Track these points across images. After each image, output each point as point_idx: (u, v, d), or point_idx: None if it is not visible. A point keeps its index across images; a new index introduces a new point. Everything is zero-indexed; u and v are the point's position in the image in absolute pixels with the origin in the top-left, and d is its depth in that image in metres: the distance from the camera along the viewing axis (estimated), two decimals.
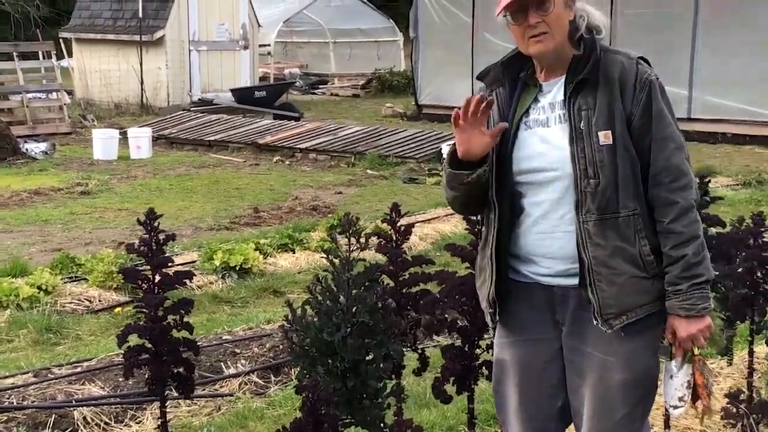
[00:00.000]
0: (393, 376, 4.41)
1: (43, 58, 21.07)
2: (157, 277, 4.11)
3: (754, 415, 5.19)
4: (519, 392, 3.57)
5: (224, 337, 7.18)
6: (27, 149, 17.12)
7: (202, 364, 6.70)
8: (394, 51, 30.61)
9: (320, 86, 28.95)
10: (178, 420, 5.71)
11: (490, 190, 3.42)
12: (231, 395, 6.27)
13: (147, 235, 4.10)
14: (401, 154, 16.39)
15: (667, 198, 3.30)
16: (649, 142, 3.31)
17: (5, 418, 5.69)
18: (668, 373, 3.45)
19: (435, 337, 4.57)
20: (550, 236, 3.39)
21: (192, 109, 22.00)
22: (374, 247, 4.51)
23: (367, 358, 4.20)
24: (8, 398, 6.00)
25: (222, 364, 6.70)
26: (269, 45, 28.93)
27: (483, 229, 3.59)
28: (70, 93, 22.33)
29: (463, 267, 4.26)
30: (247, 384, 6.43)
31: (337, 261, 4.20)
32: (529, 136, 3.40)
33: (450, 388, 4.27)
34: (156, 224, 4.13)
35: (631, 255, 3.30)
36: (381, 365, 4.26)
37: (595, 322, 3.32)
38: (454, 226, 10.75)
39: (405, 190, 14.07)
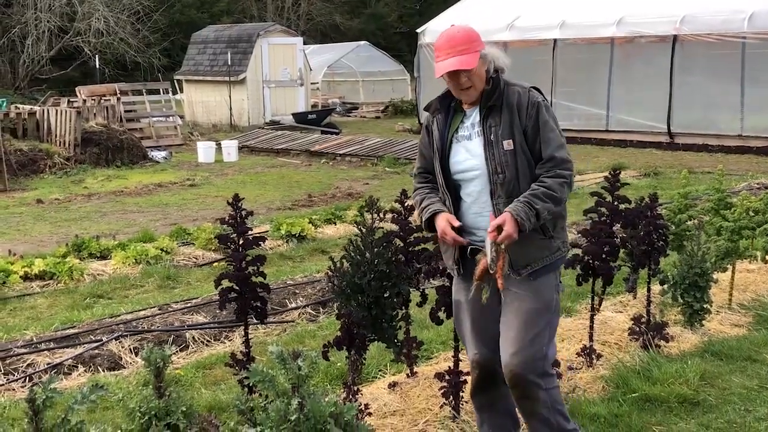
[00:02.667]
0: (403, 307, 4.40)
1: (163, 93, 21.05)
2: (241, 240, 4.10)
3: (651, 332, 5.18)
4: (471, 321, 3.60)
5: (288, 282, 7.18)
6: (152, 156, 17.11)
7: (272, 300, 6.68)
8: (403, 86, 30.40)
9: (353, 111, 28.78)
10: (257, 339, 5.71)
11: (440, 187, 3.55)
12: (292, 322, 6.27)
13: (234, 212, 4.09)
14: (409, 156, 16.25)
15: (548, 168, 3.37)
16: (539, 143, 3.38)
17: (139, 338, 5.72)
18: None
19: (431, 280, 4.51)
20: (480, 215, 3.46)
21: (265, 127, 21.91)
22: (390, 220, 4.52)
23: (385, 295, 4.19)
24: (141, 325, 6.04)
25: (286, 300, 6.69)
26: (318, 82, 28.79)
27: None
28: (181, 117, 22.28)
29: None
30: (303, 314, 6.42)
31: (364, 229, 4.20)
32: (459, 147, 3.50)
33: (442, 315, 4.26)
34: (240, 205, 4.11)
35: None
36: (394, 300, 4.24)
37: (509, 272, 3.38)
38: None
39: (411, 182, 13.96)
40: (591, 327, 4.95)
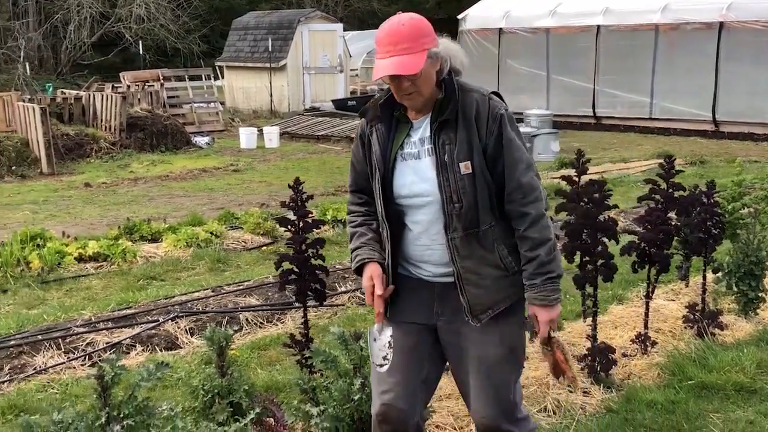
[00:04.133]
0: None
1: (205, 79, 21.22)
2: (301, 224, 4.16)
3: (706, 320, 5.16)
4: (396, 362, 2.99)
5: (336, 266, 7.22)
6: (195, 141, 17.28)
7: None
8: None
9: None
10: (310, 321, 5.77)
11: (379, 214, 2.97)
12: (343, 305, 6.34)
13: (295, 196, 4.13)
14: None
15: (520, 211, 2.84)
16: (502, 166, 2.82)
17: (194, 319, 5.82)
18: (372, 336, 2.97)
19: None
20: (429, 248, 2.92)
21: (305, 113, 22.00)
22: None
23: None
24: (195, 306, 6.14)
25: (335, 284, 6.73)
26: (357, 69, 28.83)
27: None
28: (222, 103, 22.46)
29: None
30: (353, 298, 6.46)
31: None
32: (405, 167, 2.90)
33: None
34: (301, 188, 4.15)
35: (493, 260, 2.87)
36: None
37: (466, 319, 2.91)
38: None
39: None
40: (646, 314, 4.95)
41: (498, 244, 2.88)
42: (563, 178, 4.63)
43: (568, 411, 4.18)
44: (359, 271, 2.97)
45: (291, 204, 4.15)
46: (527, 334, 3.09)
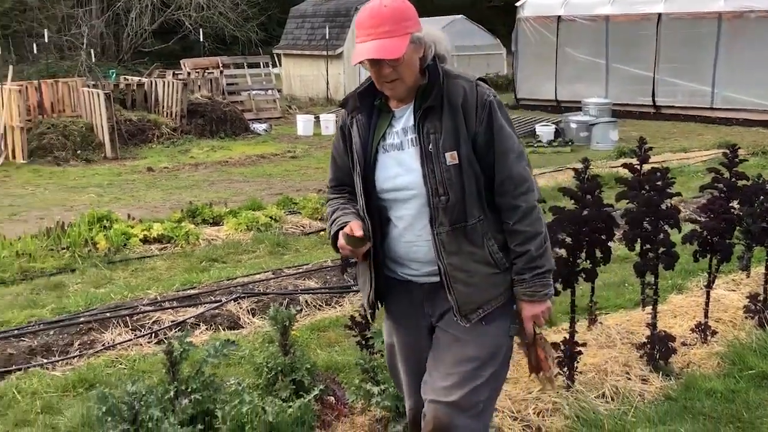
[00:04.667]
0: None
1: (263, 67, 21.46)
2: None
3: (767, 310, 5.10)
4: (405, 364, 2.96)
5: None
6: (253, 128, 17.52)
7: None
8: (499, 61, 30.09)
9: None
10: None
11: (360, 209, 2.77)
12: None
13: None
14: None
15: (511, 203, 2.69)
16: (492, 156, 2.66)
17: (256, 300, 5.95)
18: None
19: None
20: (415, 245, 2.74)
21: None
22: None
23: None
24: (257, 287, 6.26)
25: None
26: None
27: None
28: (279, 91, 22.70)
29: (570, 203, 4.26)
30: None
31: None
32: (387, 158, 2.72)
33: (558, 286, 4.29)
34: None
35: (482, 256, 2.70)
36: None
37: (455, 319, 2.75)
38: (565, 177, 10.38)
39: None
40: (707, 303, 4.91)
41: (487, 239, 2.71)
42: (624, 165, 4.63)
43: (626, 397, 4.18)
44: (336, 240, 2.75)
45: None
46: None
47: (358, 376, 4.08)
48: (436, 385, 2.77)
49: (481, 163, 2.67)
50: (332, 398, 3.99)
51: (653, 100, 18.89)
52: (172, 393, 3.45)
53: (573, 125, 15.31)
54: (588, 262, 4.27)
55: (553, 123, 15.87)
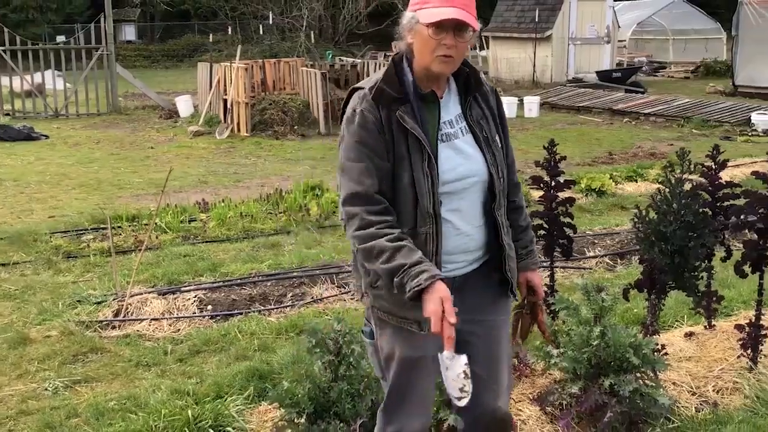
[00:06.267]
0: (706, 259, 4.51)
1: (470, 49, 21.79)
2: (553, 182, 4.46)
3: None
4: (428, 378, 2.71)
5: (587, 233, 7.41)
6: None
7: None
8: (718, 45, 28.65)
9: (660, 70, 27.71)
10: (557, 281, 6.01)
11: (428, 206, 2.52)
12: (590, 269, 6.54)
13: (549, 156, 4.44)
14: (719, 119, 15.56)
15: (515, 181, 2.84)
16: (505, 139, 2.75)
17: None
18: (443, 364, 2.44)
19: (737, 236, 4.55)
20: (467, 235, 2.64)
21: (567, 84, 21.92)
22: (699, 173, 4.63)
23: (690, 244, 4.33)
24: None
25: (585, 249, 6.96)
26: (625, 40, 28.07)
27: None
28: (486, 73, 22.93)
29: (764, 187, 4.26)
30: (601, 263, 6.65)
31: (673, 179, 4.38)
32: (447, 148, 2.59)
33: (747, 269, 4.31)
34: (554, 149, 4.48)
35: (510, 233, 2.78)
36: (699, 251, 4.38)
37: (511, 297, 2.78)
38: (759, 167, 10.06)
39: (721, 145, 13.37)
40: None
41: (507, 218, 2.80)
42: None
43: None
44: (418, 293, 2.39)
45: (544, 163, 4.46)
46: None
47: (538, 339, 4.32)
48: (498, 391, 2.78)
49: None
50: (515, 359, 4.27)
51: None
52: None
53: None
54: None
55: None
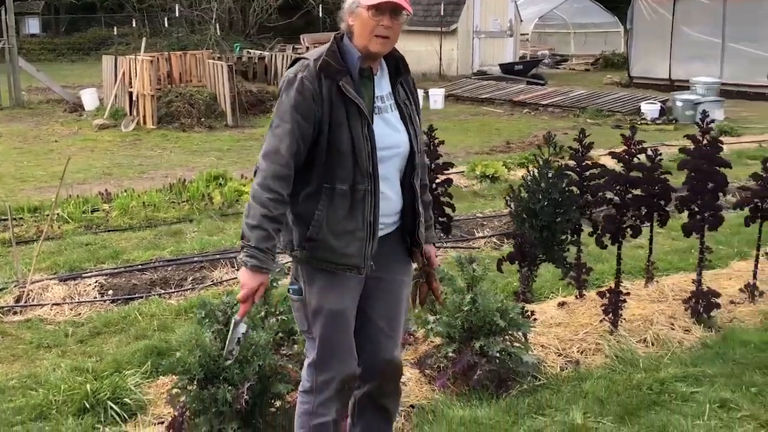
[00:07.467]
0: (574, 234, 4.91)
1: None
2: (432, 165, 4.76)
3: None
4: (349, 328, 2.98)
5: (477, 215, 7.81)
6: None
7: (461, 229, 7.37)
8: (617, 38, 29.75)
9: (562, 63, 28.63)
10: (447, 259, 6.31)
11: (367, 166, 2.81)
12: (478, 248, 6.91)
13: (428, 141, 4.74)
14: (611, 109, 16.30)
15: (423, 161, 3.14)
16: (419, 122, 3.05)
17: None
18: (232, 326, 2.96)
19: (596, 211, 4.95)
20: (390, 199, 2.94)
21: (472, 77, 22.47)
22: (568, 156, 5.02)
23: (557, 220, 4.73)
24: None
25: (474, 230, 7.34)
26: (528, 33, 28.87)
27: (333, 201, 2.83)
28: None
29: (620, 167, 4.67)
30: (489, 243, 7.04)
31: (542, 161, 4.76)
32: (379, 120, 2.88)
33: (606, 240, 4.71)
34: (434, 135, 4.79)
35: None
36: (565, 225, 4.78)
37: (421, 258, 3.10)
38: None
39: (611, 133, 13.96)
40: (756, 265, 5.23)
41: None
42: (687, 136, 4.99)
43: (666, 344, 4.60)
44: (243, 266, 2.79)
45: (424, 148, 4.76)
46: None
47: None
48: (396, 342, 3.09)
49: None
50: None
51: None
52: (263, 313, 4.14)
53: (679, 104, 15.27)
54: (634, 219, 4.68)
55: (659, 102, 15.84)
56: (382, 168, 2.87)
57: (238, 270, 2.80)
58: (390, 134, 2.90)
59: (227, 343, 2.95)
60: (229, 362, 2.95)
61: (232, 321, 2.91)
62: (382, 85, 2.95)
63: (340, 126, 2.80)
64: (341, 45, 2.87)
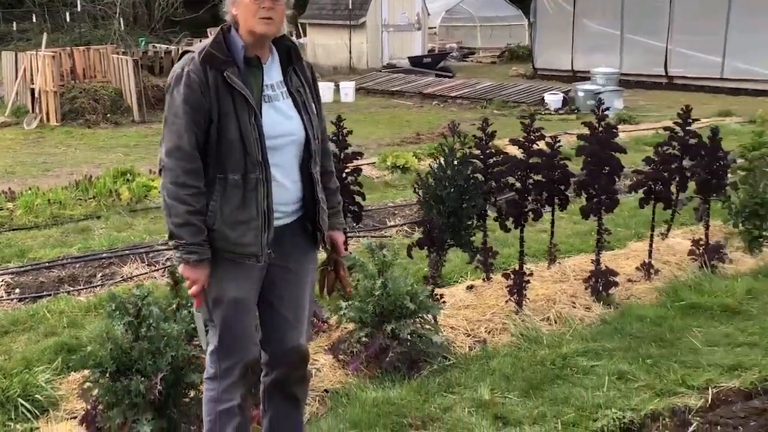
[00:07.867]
0: (479, 219, 5.06)
1: (289, 35, 21.98)
2: (342, 155, 4.85)
3: (708, 254, 5.67)
4: (249, 316, 3.03)
5: (389, 205, 7.93)
6: None
7: (374, 218, 7.48)
8: (521, 31, 30.39)
9: (470, 56, 29.09)
10: (360, 247, 6.41)
11: (256, 155, 2.81)
12: (390, 237, 7.02)
13: (337, 130, 4.83)
14: (516, 100, 16.71)
15: (327, 148, 3.19)
16: (319, 108, 3.07)
17: None
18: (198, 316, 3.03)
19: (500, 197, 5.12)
20: (287, 188, 2.94)
21: (382, 70, 22.61)
22: (473, 145, 5.18)
23: (462, 206, 4.87)
24: None
25: (386, 219, 7.46)
26: (435, 27, 29.23)
27: (226, 191, 2.83)
28: None
29: (519, 152, 4.85)
30: (400, 231, 7.16)
31: (447, 150, 4.90)
32: (269, 108, 2.89)
33: (509, 224, 4.90)
34: (342, 124, 4.87)
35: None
36: (470, 211, 4.92)
37: (321, 247, 3.13)
38: (565, 141, 10.92)
39: (517, 124, 14.33)
40: (650, 245, 5.51)
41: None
42: (584, 123, 5.20)
43: (568, 321, 4.82)
44: (184, 264, 2.84)
45: (333, 138, 4.84)
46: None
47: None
48: (301, 331, 3.08)
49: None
50: (313, 318, 4.64)
51: (666, 71, 19.24)
52: (174, 306, 4.14)
53: (581, 94, 15.76)
54: (536, 204, 4.87)
55: (562, 92, 16.33)
56: (276, 156, 2.88)
57: (178, 266, 2.87)
58: (281, 122, 2.90)
59: (200, 336, 3.05)
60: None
61: (194, 314, 3.04)
62: (272, 74, 2.95)
63: (227, 116, 2.81)
64: (227, 36, 2.88)
